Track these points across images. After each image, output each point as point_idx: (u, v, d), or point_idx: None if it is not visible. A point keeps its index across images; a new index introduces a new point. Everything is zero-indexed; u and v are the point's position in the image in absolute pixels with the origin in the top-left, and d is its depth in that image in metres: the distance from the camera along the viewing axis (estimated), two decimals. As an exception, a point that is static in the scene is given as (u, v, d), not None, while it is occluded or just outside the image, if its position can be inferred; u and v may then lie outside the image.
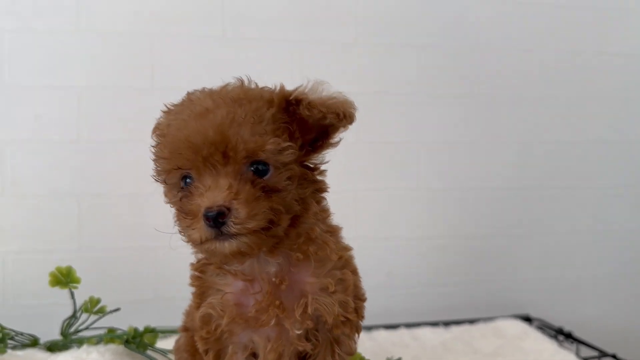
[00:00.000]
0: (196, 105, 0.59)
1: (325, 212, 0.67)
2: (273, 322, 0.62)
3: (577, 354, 1.08)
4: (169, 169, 0.59)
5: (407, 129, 1.37)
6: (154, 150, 0.62)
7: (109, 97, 1.24)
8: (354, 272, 0.68)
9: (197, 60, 1.26)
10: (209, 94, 0.61)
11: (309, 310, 0.62)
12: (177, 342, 0.80)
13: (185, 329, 0.77)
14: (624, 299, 1.53)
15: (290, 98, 0.60)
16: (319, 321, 0.65)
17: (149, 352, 0.95)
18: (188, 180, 0.59)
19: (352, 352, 0.69)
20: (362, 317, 0.70)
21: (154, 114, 1.35)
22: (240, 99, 0.58)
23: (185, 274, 1.30)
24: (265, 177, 0.58)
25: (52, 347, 0.97)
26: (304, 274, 0.63)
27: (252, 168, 0.57)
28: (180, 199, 0.59)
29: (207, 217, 0.54)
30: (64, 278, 0.91)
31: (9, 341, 0.97)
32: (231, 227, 0.54)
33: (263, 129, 0.57)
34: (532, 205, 1.46)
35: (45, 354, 0.94)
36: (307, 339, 0.65)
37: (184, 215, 0.57)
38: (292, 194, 0.59)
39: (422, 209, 1.40)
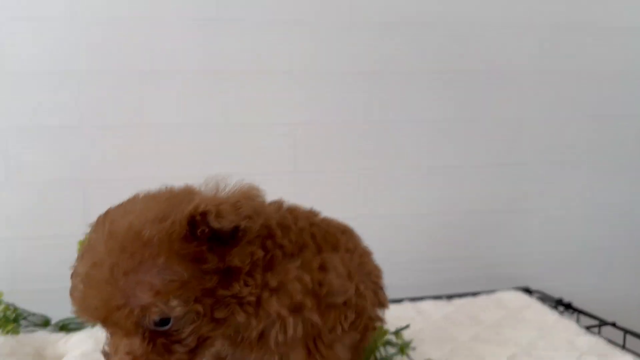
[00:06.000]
0: (89, 252, 0.56)
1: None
2: None
3: (578, 323, 1.11)
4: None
5: (405, 108, 1.38)
6: None
7: (109, 82, 1.24)
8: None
9: (195, 44, 1.26)
10: (107, 233, 0.56)
11: None
12: None
13: None
14: (620, 269, 1.56)
15: (196, 217, 0.53)
16: None
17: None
18: None
19: None
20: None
21: (154, 98, 1.36)
22: (133, 242, 0.53)
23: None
24: (166, 327, 0.53)
25: (64, 327, 0.99)
26: None
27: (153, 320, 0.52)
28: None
29: None
30: None
31: (22, 321, 0.99)
32: None
33: (156, 279, 0.51)
34: (528, 181, 1.48)
35: (58, 335, 0.95)
36: None
37: None
38: (206, 327, 0.55)
39: (421, 186, 1.42)
